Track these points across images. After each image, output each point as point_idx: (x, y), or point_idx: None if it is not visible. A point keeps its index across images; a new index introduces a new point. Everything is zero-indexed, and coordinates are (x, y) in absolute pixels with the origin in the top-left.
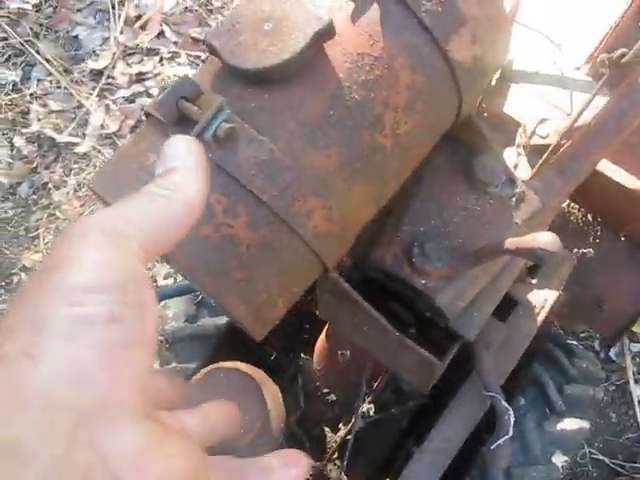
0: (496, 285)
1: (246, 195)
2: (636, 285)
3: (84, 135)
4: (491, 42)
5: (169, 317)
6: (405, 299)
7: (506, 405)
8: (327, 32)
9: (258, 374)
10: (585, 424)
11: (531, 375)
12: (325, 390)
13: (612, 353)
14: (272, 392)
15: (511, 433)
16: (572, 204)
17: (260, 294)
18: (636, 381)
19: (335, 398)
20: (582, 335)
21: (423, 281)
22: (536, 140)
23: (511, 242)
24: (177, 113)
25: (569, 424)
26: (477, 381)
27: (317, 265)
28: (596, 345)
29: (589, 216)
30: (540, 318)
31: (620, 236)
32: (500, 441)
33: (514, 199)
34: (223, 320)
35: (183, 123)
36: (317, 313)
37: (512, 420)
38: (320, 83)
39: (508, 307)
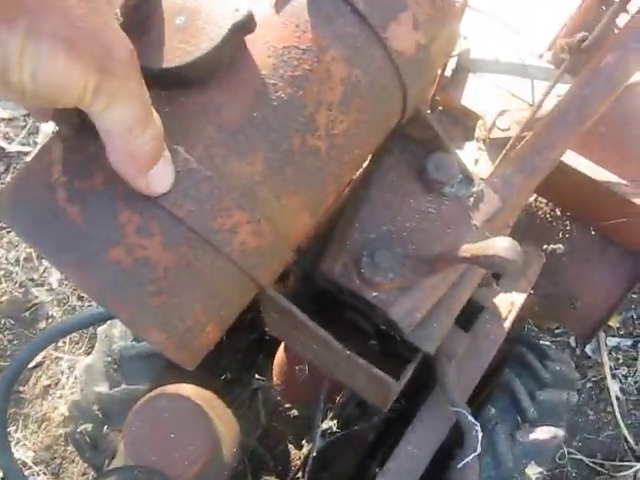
0: (456, 293)
1: (160, 212)
2: (608, 280)
3: (35, 144)
4: (437, 28)
5: (116, 336)
6: (361, 310)
7: (472, 420)
8: (246, 25)
9: (206, 398)
10: (560, 432)
11: (502, 382)
12: (287, 405)
13: (588, 349)
14: (223, 415)
15: (479, 450)
16: (539, 198)
17: (183, 320)
18: (613, 377)
19: (297, 414)
20: (557, 331)
21: (374, 293)
22: (497, 133)
23: (466, 250)
24: (79, 124)
25: (543, 433)
26: (441, 395)
27: (249, 284)
28: (572, 341)
29: (557, 210)
30: (508, 323)
31: (590, 230)
32: (468, 459)
33: (472, 199)
34: None
35: (85, 134)
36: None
37: (479, 436)
38: (241, 82)
39: (473, 313)
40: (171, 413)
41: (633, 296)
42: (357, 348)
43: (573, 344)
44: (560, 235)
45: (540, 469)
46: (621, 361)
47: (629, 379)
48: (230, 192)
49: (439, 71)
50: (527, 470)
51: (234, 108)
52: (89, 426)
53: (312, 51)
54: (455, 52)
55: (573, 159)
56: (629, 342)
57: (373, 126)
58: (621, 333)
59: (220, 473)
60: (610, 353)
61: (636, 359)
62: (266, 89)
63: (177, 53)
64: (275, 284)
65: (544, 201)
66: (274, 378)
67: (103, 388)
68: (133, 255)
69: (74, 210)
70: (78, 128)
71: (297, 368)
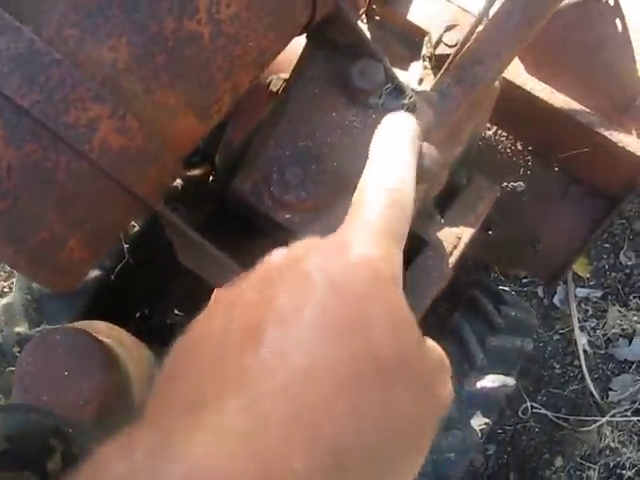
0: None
1: (1, 101)
2: (572, 221)
3: None
4: None
5: None
6: (277, 237)
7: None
8: None
9: (113, 334)
10: (510, 380)
11: (450, 326)
12: None
13: (557, 300)
14: (135, 352)
15: None
16: (499, 131)
17: (34, 231)
18: (582, 329)
19: None
20: (525, 281)
21: (287, 215)
22: (444, 49)
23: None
24: None
25: (490, 381)
26: None
27: (120, 193)
28: (539, 291)
29: (519, 144)
30: (453, 259)
31: (553, 167)
32: None
33: (404, 109)
34: (93, 274)
35: None
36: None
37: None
38: None
39: (414, 248)
40: (65, 349)
41: (605, 245)
42: None
43: (541, 294)
44: (521, 172)
45: (486, 420)
46: (590, 313)
47: (597, 332)
48: (87, 81)
49: None
50: (472, 421)
51: None
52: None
53: None
54: None
55: (536, 86)
56: (599, 293)
57: (272, 15)
58: (591, 284)
59: (129, 410)
60: (579, 304)
61: (606, 311)
62: None
63: None
64: (190, 210)
65: (505, 134)
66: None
67: (23, 328)
68: None
69: None
70: None
71: None
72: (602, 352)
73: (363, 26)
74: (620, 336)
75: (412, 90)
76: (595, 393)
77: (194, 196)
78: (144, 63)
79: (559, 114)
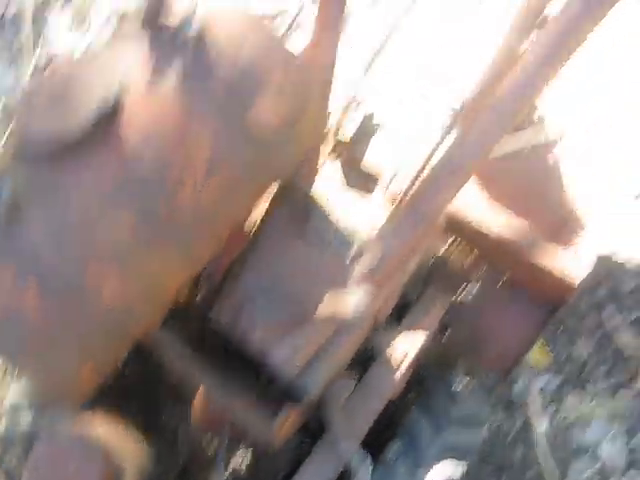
0: (341, 339)
1: (36, 264)
2: (519, 324)
3: None
4: (299, 108)
5: None
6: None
7: (361, 461)
8: (118, 103)
9: (111, 434)
10: (458, 470)
11: (406, 420)
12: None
13: (517, 388)
14: (128, 446)
15: None
16: (455, 243)
17: (60, 366)
18: (540, 416)
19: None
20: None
21: (256, 339)
22: (394, 188)
23: (323, 309)
24: None
25: (439, 473)
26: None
27: (125, 332)
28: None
29: (472, 256)
30: (404, 367)
31: (502, 277)
32: None
33: (352, 253)
34: None
35: None
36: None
37: (370, 467)
38: (112, 151)
39: (367, 359)
40: (69, 455)
41: (562, 336)
42: (252, 387)
43: (502, 384)
44: (474, 280)
45: None
46: (549, 400)
47: (556, 418)
48: (100, 246)
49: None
50: None
51: (105, 175)
52: None
53: (177, 126)
54: (361, 117)
55: (482, 214)
56: (557, 381)
57: (242, 189)
58: (550, 372)
59: None
60: (539, 392)
61: (564, 398)
62: (137, 158)
63: (53, 129)
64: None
65: (460, 246)
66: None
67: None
68: (9, 302)
69: None
70: None
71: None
72: (561, 438)
73: (334, 165)
74: (578, 422)
75: (360, 233)
76: (554, 477)
77: (183, 313)
78: (144, 232)
79: (501, 240)
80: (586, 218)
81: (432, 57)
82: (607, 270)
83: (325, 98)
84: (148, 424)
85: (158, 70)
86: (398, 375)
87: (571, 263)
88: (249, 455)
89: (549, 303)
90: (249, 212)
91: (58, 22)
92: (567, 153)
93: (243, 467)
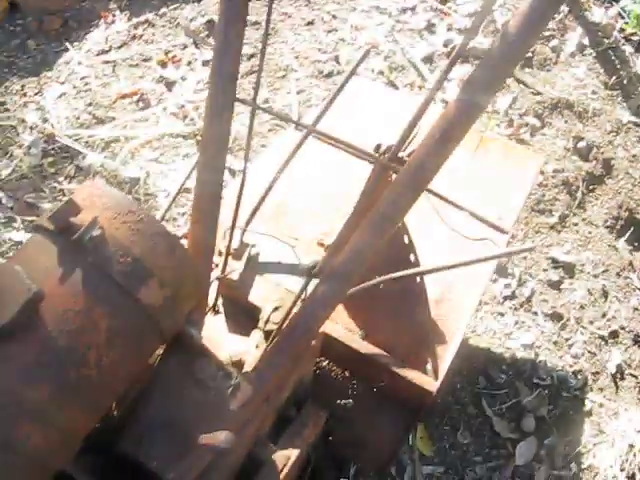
0: (225, 459)
1: None
2: (388, 426)
3: None
4: (180, 283)
5: None
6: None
7: None
8: (36, 299)
9: None
10: None
11: None
12: None
13: (406, 477)
14: None
15: None
16: (331, 364)
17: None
18: None
19: None
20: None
21: (155, 462)
22: (270, 326)
23: (202, 439)
24: None
25: None
26: None
27: (45, 468)
28: (393, 471)
29: (347, 372)
30: (284, 474)
31: (371, 388)
32: None
33: (230, 390)
34: None
35: None
36: None
37: None
38: (33, 336)
39: (253, 468)
40: None
41: (445, 427)
42: None
43: (394, 473)
44: (349, 392)
45: None
46: None
47: None
48: (26, 411)
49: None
50: None
51: (27, 354)
52: None
53: (83, 311)
54: (246, 256)
55: (346, 337)
56: (441, 469)
57: (134, 354)
58: (435, 461)
59: None
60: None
61: None
62: (50, 340)
63: None
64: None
65: (335, 367)
66: None
67: None
68: None
69: None
70: None
71: None
72: None
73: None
74: None
75: (236, 373)
76: None
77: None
78: (58, 397)
79: (365, 357)
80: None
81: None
82: (484, 365)
83: (206, 265)
84: None
85: (67, 266)
86: (284, 474)
87: (431, 365)
88: None
89: (412, 407)
90: (144, 366)
91: None
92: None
93: None
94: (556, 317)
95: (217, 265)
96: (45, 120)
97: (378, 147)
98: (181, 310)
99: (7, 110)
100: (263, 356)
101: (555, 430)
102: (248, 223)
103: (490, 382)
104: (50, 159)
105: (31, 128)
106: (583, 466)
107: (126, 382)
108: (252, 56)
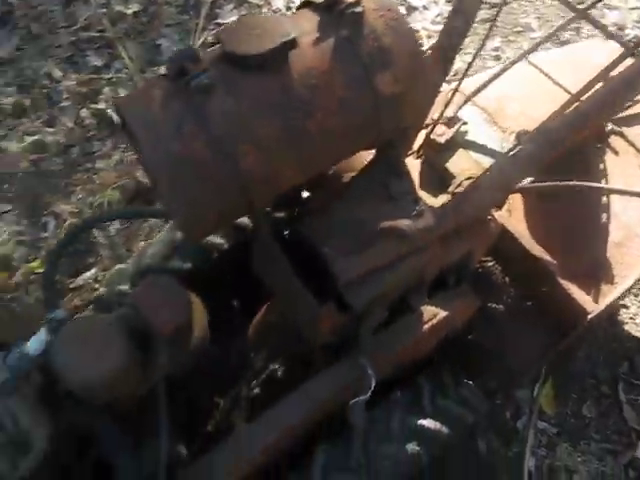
0: (392, 272)
1: (209, 128)
2: (533, 342)
3: None
4: (412, 85)
5: (147, 254)
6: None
7: (371, 374)
8: (290, 44)
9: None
10: (444, 429)
11: (416, 380)
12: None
13: (519, 423)
14: (199, 309)
15: (368, 395)
16: (495, 265)
17: (198, 207)
18: (533, 453)
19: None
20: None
21: (327, 249)
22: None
23: (385, 224)
24: (177, 70)
25: (430, 423)
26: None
27: (246, 195)
28: (507, 414)
29: (507, 278)
30: (426, 327)
31: (527, 299)
32: (359, 398)
33: (414, 213)
34: (188, 265)
35: (180, 78)
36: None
37: (372, 384)
38: (278, 77)
39: (403, 310)
40: (166, 289)
41: (573, 395)
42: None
43: (508, 416)
44: (503, 297)
45: (417, 448)
46: (543, 443)
47: (546, 461)
48: (251, 135)
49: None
50: (408, 445)
51: (270, 89)
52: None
53: (327, 73)
54: (454, 130)
55: (523, 237)
56: (555, 430)
57: (352, 133)
58: (552, 422)
59: (186, 345)
60: (536, 433)
61: (556, 446)
62: (292, 86)
63: (249, 48)
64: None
65: (498, 267)
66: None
67: (125, 287)
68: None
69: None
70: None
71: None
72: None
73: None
74: (561, 471)
75: (423, 202)
76: None
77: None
78: (282, 135)
79: (534, 259)
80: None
81: None
82: (632, 352)
83: (433, 91)
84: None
85: (324, 32)
86: (425, 328)
87: (592, 296)
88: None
89: (562, 328)
90: (351, 154)
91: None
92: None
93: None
94: None
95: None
96: None
97: None
98: (400, 114)
99: None
100: (445, 204)
101: None
102: (470, 97)
103: (633, 370)
104: None
105: None
106: None
107: (331, 160)
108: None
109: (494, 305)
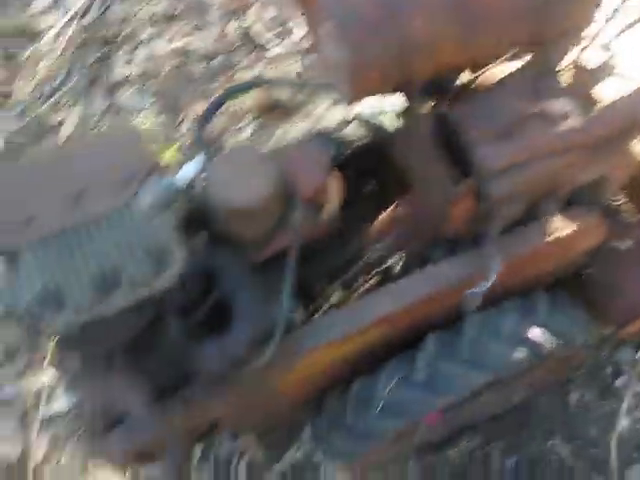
0: (535, 165)
1: None
2: None
3: None
4: None
5: None
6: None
7: (497, 262)
8: None
9: None
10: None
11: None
12: None
13: (619, 381)
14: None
15: (490, 282)
16: (629, 203)
17: (362, 54)
18: (627, 414)
19: None
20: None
21: (470, 137)
22: None
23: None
24: None
25: (541, 332)
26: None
27: (410, 60)
28: (608, 371)
29: (637, 215)
30: (548, 239)
31: None
32: (479, 288)
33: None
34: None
35: None
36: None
37: (495, 270)
38: None
39: (530, 218)
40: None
41: None
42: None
43: (608, 372)
44: (629, 236)
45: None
46: None
47: (638, 425)
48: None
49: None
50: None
51: None
52: None
53: None
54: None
55: None
56: None
57: (516, 19)
58: None
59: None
60: (635, 395)
61: None
62: None
63: None
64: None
65: (631, 206)
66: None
67: None
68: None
69: None
70: None
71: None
72: (635, 442)
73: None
74: None
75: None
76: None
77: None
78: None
79: None
80: None
81: None
82: None
83: None
84: None
85: None
86: (548, 239)
87: None
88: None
89: None
90: (510, 46)
91: None
92: None
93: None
94: None
95: None
96: None
97: None
98: (570, 12)
99: None
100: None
101: None
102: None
103: None
104: None
105: None
106: None
107: (490, 47)
108: None
109: (618, 244)
